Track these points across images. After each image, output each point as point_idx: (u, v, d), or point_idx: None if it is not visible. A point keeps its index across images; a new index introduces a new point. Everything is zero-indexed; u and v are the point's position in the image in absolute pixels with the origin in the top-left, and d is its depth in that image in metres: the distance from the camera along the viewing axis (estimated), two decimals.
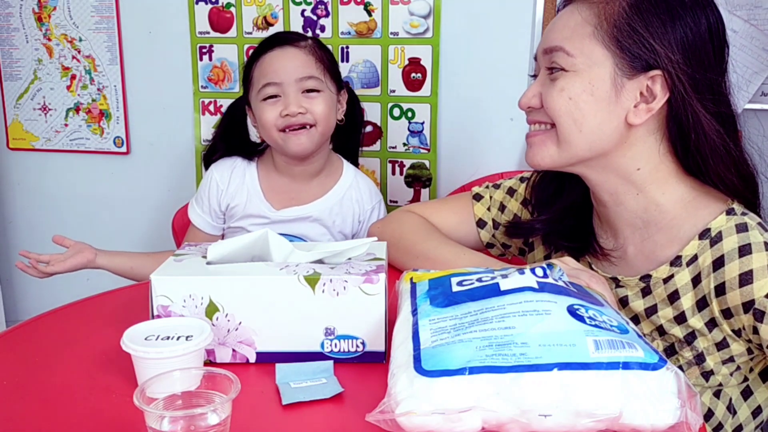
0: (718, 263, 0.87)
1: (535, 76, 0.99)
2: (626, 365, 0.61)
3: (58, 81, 2.26)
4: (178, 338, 0.74)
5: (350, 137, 1.55)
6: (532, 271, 0.78)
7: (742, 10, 1.72)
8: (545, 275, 0.77)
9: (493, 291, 0.74)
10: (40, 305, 0.94)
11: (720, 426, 0.92)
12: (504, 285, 0.75)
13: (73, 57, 2.23)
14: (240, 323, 0.81)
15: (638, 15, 0.87)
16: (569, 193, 1.06)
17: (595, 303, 0.73)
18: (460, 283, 0.78)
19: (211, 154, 1.51)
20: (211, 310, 0.81)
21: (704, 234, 0.89)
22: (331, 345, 0.82)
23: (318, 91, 1.36)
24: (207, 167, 1.50)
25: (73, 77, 2.25)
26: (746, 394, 0.93)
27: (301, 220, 1.44)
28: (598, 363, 0.61)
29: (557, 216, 1.07)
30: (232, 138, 1.50)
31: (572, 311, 0.68)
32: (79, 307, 1.02)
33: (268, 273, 0.82)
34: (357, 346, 0.82)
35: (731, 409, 0.93)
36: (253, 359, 0.83)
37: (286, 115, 1.34)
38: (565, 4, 0.97)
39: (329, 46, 1.47)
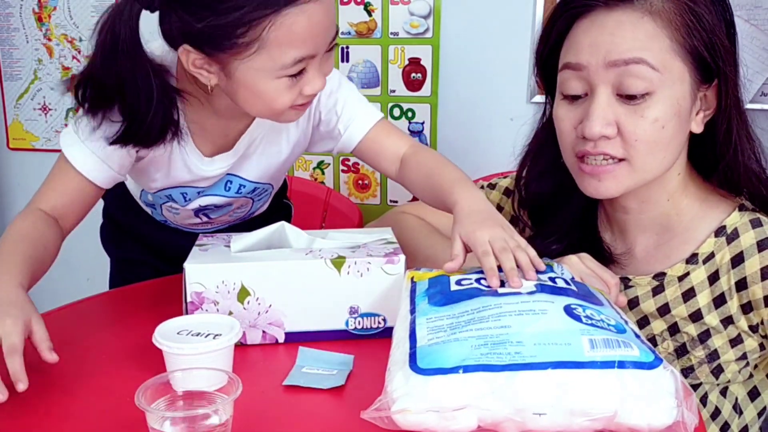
0: (738, 260, 0.87)
1: (572, 97, 0.88)
2: (621, 364, 0.61)
3: (58, 81, 2.26)
4: (207, 336, 0.76)
5: None
6: None
7: (743, 11, 1.72)
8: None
9: (491, 290, 0.74)
10: (39, 305, 0.94)
11: (727, 425, 0.92)
12: None
13: (73, 57, 2.23)
14: (270, 306, 0.86)
15: (706, 21, 0.83)
16: (576, 199, 0.99)
17: (595, 302, 0.73)
18: (458, 282, 0.79)
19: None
20: (243, 294, 0.85)
21: (720, 232, 0.90)
22: (355, 323, 0.87)
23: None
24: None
25: (73, 77, 2.25)
26: (753, 394, 0.94)
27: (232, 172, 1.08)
28: (593, 362, 0.61)
29: (567, 227, 1.02)
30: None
31: (569, 310, 0.68)
32: (78, 308, 1.03)
33: (296, 258, 0.87)
34: (378, 322, 0.88)
35: (737, 408, 0.93)
36: (282, 339, 0.88)
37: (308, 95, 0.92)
38: (602, 6, 0.85)
39: None
